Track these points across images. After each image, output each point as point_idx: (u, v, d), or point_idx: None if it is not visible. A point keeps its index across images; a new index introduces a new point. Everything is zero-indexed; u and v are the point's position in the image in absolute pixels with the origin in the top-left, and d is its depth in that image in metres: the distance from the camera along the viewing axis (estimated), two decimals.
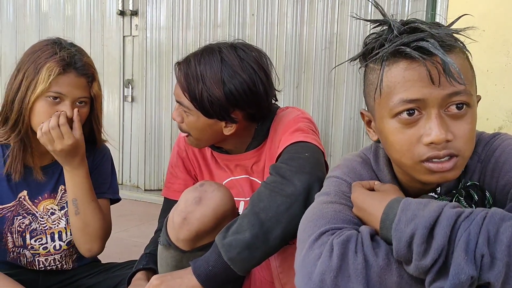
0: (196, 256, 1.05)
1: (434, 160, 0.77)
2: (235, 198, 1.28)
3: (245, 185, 1.27)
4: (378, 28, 0.88)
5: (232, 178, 1.29)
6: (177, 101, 1.19)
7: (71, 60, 1.15)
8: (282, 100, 2.34)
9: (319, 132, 1.23)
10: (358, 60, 0.88)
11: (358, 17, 0.93)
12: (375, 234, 0.75)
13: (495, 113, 1.74)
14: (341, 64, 0.92)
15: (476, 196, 0.83)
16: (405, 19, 0.84)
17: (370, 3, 2.18)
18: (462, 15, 0.81)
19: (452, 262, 0.66)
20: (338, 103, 2.31)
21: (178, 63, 1.18)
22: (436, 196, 0.85)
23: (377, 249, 0.72)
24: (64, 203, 1.24)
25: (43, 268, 1.23)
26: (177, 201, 1.28)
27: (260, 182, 1.18)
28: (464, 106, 0.77)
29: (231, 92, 1.13)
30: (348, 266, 0.71)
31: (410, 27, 0.79)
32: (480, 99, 0.86)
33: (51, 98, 1.12)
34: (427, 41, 0.75)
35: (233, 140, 1.21)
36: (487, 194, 0.83)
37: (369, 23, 0.88)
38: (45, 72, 1.11)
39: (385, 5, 2.13)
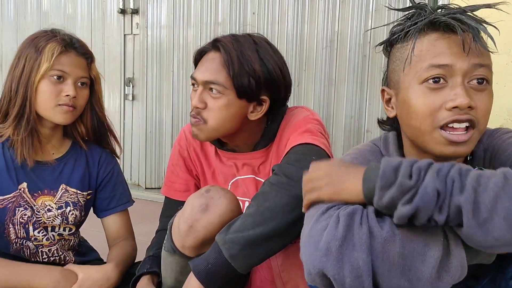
0: None
1: (454, 125, 0.82)
2: (240, 198, 1.27)
3: (251, 185, 1.27)
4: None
5: (238, 177, 1.29)
6: (205, 83, 1.16)
7: (71, 41, 1.20)
8: None
9: (328, 134, 1.23)
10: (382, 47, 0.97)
11: (390, 7, 1.01)
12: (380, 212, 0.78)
13: (496, 112, 1.73)
14: (379, 44, 1.02)
15: None
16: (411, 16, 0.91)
17: (372, 1, 2.17)
18: (485, 5, 0.88)
19: (424, 180, 0.71)
20: (338, 102, 2.31)
21: (215, 42, 1.18)
22: None
23: (381, 223, 0.75)
24: (63, 203, 1.24)
25: (46, 259, 1.24)
26: (178, 201, 1.28)
27: None
28: (485, 82, 0.84)
29: (269, 70, 1.16)
30: (353, 236, 0.74)
31: (442, 8, 0.88)
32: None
33: (55, 77, 1.16)
34: (463, 14, 0.84)
35: (244, 134, 1.20)
36: None
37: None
38: (48, 52, 1.15)
39: (386, 2, 2.13)
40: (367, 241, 0.73)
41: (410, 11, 0.91)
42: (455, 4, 0.87)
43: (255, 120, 1.19)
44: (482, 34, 0.85)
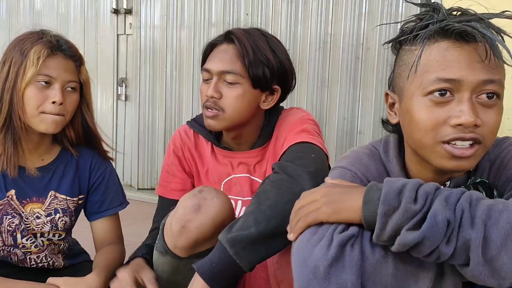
0: (192, 263, 1.04)
1: (457, 144, 0.78)
2: (233, 197, 1.28)
3: (245, 184, 1.27)
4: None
5: (233, 176, 1.29)
6: (220, 73, 1.18)
7: (58, 43, 1.14)
8: None
9: (322, 135, 1.24)
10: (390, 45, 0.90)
11: (410, 1, 0.95)
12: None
13: None
14: (387, 42, 0.93)
15: (484, 193, 0.84)
16: (400, 18, 0.85)
17: (365, 3, 2.18)
18: (506, 11, 0.81)
19: (431, 208, 0.67)
20: (331, 103, 2.32)
21: (228, 34, 1.21)
22: None
23: (374, 245, 0.72)
24: (52, 210, 1.21)
25: (35, 265, 1.22)
26: (173, 200, 1.27)
27: (261, 182, 1.18)
28: (495, 96, 0.78)
29: (280, 60, 1.20)
30: (344, 258, 0.71)
31: (457, 11, 0.81)
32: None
33: (42, 82, 1.10)
34: (476, 23, 0.77)
35: (251, 126, 1.24)
36: (495, 192, 0.85)
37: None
38: (33, 56, 1.09)
39: (379, 4, 2.14)
40: (358, 262, 0.71)
41: (424, 10, 0.84)
42: (471, 10, 0.80)
43: (260, 114, 1.23)
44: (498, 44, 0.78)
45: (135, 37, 2.75)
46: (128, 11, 2.76)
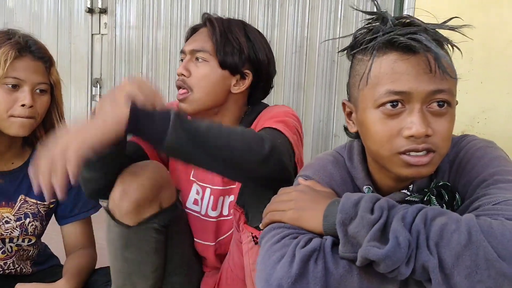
0: (141, 230, 1.07)
1: (411, 153, 0.79)
2: (202, 184, 1.28)
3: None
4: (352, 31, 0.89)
5: None
6: (191, 52, 1.22)
7: (26, 44, 1.11)
8: None
9: (302, 136, 1.23)
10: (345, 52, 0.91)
11: (356, 8, 0.96)
12: (337, 245, 0.75)
13: (458, 118, 1.77)
14: (342, 49, 0.92)
15: (446, 196, 0.85)
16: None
17: (340, 8, 2.21)
18: (453, 18, 0.85)
19: (391, 228, 0.68)
20: (307, 106, 2.34)
21: (205, 18, 1.27)
22: (408, 193, 0.88)
23: (338, 259, 0.73)
24: (22, 215, 1.18)
25: (1, 271, 1.19)
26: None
27: None
28: (445, 105, 0.80)
29: (254, 47, 1.24)
30: (307, 274, 0.71)
31: (404, 21, 0.81)
32: (457, 103, 0.89)
33: (10, 85, 1.07)
34: (421, 34, 0.77)
35: (226, 113, 1.25)
36: (457, 195, 0.86)
37: (339, 29, 0.90)
38: (0, 58, 1.06)
39: (355, 1, 2.17)
40: (322, 278, 0.71)
41: (373, 18, 0.85)
42: (418, 20, 0.81)
43: (237, 101, 1.25)
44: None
45: (110, 37, 2.71)
46: (103, 11, 2.72)
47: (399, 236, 0.67)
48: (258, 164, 0.96)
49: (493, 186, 0.78)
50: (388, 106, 0.80)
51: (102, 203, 1.17)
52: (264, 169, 0.97)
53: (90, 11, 2.73)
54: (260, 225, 0.86)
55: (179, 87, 1.23)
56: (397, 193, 0.88)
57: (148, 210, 1.12)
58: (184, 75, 1.22)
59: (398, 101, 0.79)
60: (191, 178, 1.33)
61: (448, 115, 0.81)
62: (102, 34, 2.77)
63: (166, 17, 2.59)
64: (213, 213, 1.29)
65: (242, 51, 1.22)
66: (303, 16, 2.30)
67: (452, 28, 0.83)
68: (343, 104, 0.93)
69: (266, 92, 1.33)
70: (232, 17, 1.33)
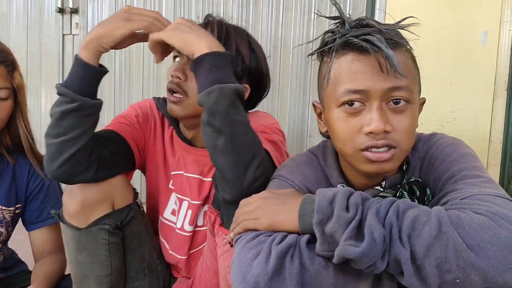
0: (92, 232, 1.07)
1: (372, 150, 0.81)
2: (180, 196, 1.26)
3: (194, 186, 1.25)
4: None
5: (184, 173, 1.27)
6: (184, 54, 1.14)
7: None
8: None
9: (286, 144, 1.22)
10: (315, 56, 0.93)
11: (320, 14, 0.99)
12: (313, 241, 0.76)
13: (429, 118, 1.83)
14: (310, 54, 0.94)
15: (418, 192, 0.88)
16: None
17: (314, 9, 2.23)
18: (408, 17, 0.88)
19: (366, 224, 0.70)
20: (282, 107, 2.35)
21: (207, 18, 1.22)
22: (381, 190, 0.90)
23: (314, 255, 0.74)
24: None
25: None
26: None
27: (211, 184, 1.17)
28: (403, 101, 0.83)
29: (257, 61, 1.20)
30: (284, 270, 0.72)
31: (361, 23, 0.85)
32: (424, 101, 0.92)
33: None
34: (374, 35, 0.80)
35: None
36: (428, 191, 0.89)
37: (312, 30, 0.92)
38: None
39: (327, 10, 2.19)
40: (298, 275, 0.72)
41: (336, 22, 0.88)
42: (373, 22, 0.85)
43: None
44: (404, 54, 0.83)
45: (81, 37, 2.67)
46: (74, 11, 2.67)
47: (374, 232, 0.69)
48: (239, 176, 0.96)
49: (461, 181, 0.81)
50: (348, 104, 0.83)
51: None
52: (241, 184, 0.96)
53: (61, 11, 2.68)
54: (231, 234, 0.85)
55: (172, 90, 1.16)
56: (370, 190, 0.90)
57: (98, 211, 1.11)
58: (180, 78, 1.15)
59: (357, 100, 0.82)
60: (170, 186, 1.31)
61: (408, 111, 0.84)
62: (73, 35, 2.72)
63: None
64: (189, 228, 1.28)
65: (243, 62, 1.17)
66: (277, 17, 2.31)
67: (402, 28, 0.86)
68: (313, 105, 0.96)
69: (256, 105, 1.30)
70: (201, 19, 1.30)
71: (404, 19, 0.88)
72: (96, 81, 1.10)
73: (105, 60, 2.58)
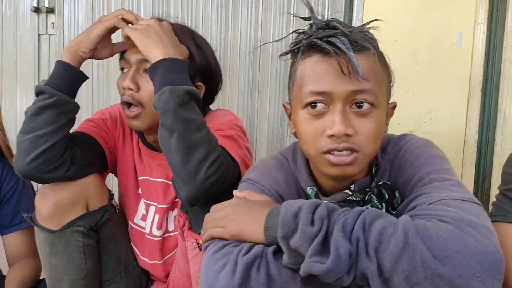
0: (65, 234, 1.07)
1: (334, 153, 0.81)
2: (147, 201, 1.26)
3: (160, 190, 1.25)
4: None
5: (149, 178, 1.26)
6: (139, 62, 1.14)
7: None
8: None
9: (248, 139, 1.23)
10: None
11: (293, 14, 0.99)
12: (279, 252, 0.75)
13: (406, 119, 1.86)
14: (281, 54, 0.94)
15: (386, 195, 0.88)
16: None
17: (293, 9, 2.24)
18: (374, 20, 0.89)
19: (332, 239, 0.69)
20: (262, 107, 2.35)
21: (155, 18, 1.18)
22: (350, 193, 0.90)
23: (281, 265, 0.73)
24: None
25: None
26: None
27: None
28: (366, 105, 0.82)
29: (205, 56, 1.19)
30: (250, 282, 0.71)
31: (328, 25, 0.84)
32: (395, 105, 0.92)
33: None
34: (338, 38, 0.80)
35: None
36: (397, 193, 0.89)
37: (292, 30, 0.93)
38: None
39: (307, 11, 2.20)
40: (265, 286, 0.71)
41: (308, 23, 0.88)
42: (341, 23, 0.85)
43: None
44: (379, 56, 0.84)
45: (58, 37, 2.62)
46: (51, 10, 2.63)
47: (340, 248, 0.68)
48: (189, 176, 0.97)
49: (429, 185, 0.81)
50: (311, 106, 0.83)
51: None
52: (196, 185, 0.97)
53: (37, 10, 2.63)
54: (200, 241, 0.85)
55: (128, 103, 1.15)
56: (339, 193, 0.90)
57: (71, 212, 1.10)
58: (133, 89, 1.14)
59: (320, 101, 0.82)
60: (139, 192, 1.31)
61: (373, 115, 0.83)
62: (49, 35, 2.67)
63: None
64: (157, 232, 1.27)
65: (194, 62, 1.16)
66: (256, 17, 2.31)
67: (362, 31, 0.85)
68: (284, 106, 0.95)
69: (212, 100, 1.30)
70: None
71: (370, 21, 0.89)
72: (75, 82, 1.10)
73: (82, 63, 2.51)
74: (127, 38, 1.14)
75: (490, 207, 1.13)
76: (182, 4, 2.40)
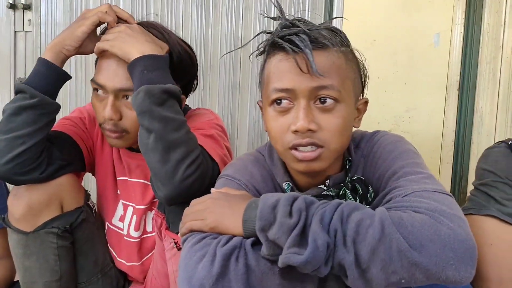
0: (39, 236, 1.05)
1: (299, 148, 0.83)
2: (125, 202, 1.25)
3: (138, 190, 1.24)
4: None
5: (128, 178, 1.25)
6: (118, 91, 1.11)
7: None
8: (188, 103, 2.32)
9: (228, 139, 1.23)
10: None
11: (265, 15, 1.02)
12: (258, 243, 0.76)
13: (385, 118, 1.88)
14: (251, 53, 1.00)
15: (360, 190, 0.90)
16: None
17: (273, 9, 2.24)
18: (336, 17, 0.93)
19: (310, 231, 0.70)
20: (243, 106, 2.35)
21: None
22: (325, 188, 0.91)
23: (259, 256, 0.74)
24: None
25: None
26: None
27: None
28: (329, 100, 0.84)
29: (178, 50, 1.17)
30: (229, 272, 0.72)
31: (293, 24, 0.87)
32: (367, 101, 0.94)
33: None
34: (299, 36, 0.83)
35: None
36: (370, 188, 0.91)
37: (272, 29, 0.95)
38: None
39: (287, 10, 2.21)
40: (243, 276, 0.72)
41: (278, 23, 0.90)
42: (305, 22, 0.87)
43: None
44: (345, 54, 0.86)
45: (34, 34, 2.57)
46: (27, 7, 2.58)
47: (318, 239, 0.69)
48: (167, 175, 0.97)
49: (403, 178, 0.83)
50: (277, 103, 0.85)
51: None
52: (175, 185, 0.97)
53: (13, 6, 2.57)
54: (179, 234, 0.85)
55: (112, 131, 1.13)
56: (314, 188, 0.92)
57: (45, 213, 1.08)
58: (115, 119, 1.11)
59: (285, 98, 0.84)
60: (118, 192, 1.30)
61: (337, 110, 0.85)
62: (26, 32, 2.62)
63: None
64: (135, 233, 1.27)
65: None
66: (237, 16, 2.31)
67: (329, 28, 0.88)
68: (258, 104, 0.98)
69: (187, 95, 1.28)
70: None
71: (331, 19, 0.91)
72: (57, 82, 1.08)
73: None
74: (100, 52, 1.12)
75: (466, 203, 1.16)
76: (162, 3, 2.38)
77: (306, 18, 0.93)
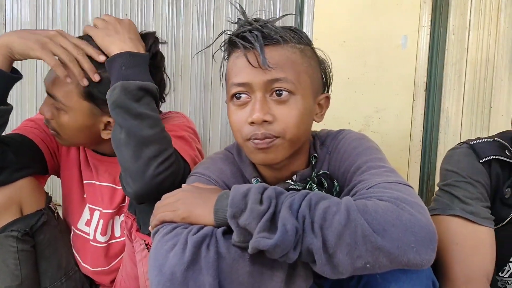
0: (0, 240, 1.04)
1: (255, 141, 0.87)
2: (91, 206, 1.23)
3: (106, 194, 1.23)
4: None
5: (96, 182, 1.24)
6: (49, 94, 1.12)
7: None
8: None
9: (200, 141, 1.23)
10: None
11: (231, 20, 1.05)
12: (229, 232, 0.78)
13: (355, 118, 1.91)
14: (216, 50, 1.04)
15: (326, 184, 0.95)
16: (278, 23, 0.95)
17: (245, 8, 2.24)
18: (287, 14, 1.00)
19: (279, 217, 0.73)
20: (215, 107, 2.35)
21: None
22: (292, 183, 0.95)
23: (230, 244, 0.76)
24: None
25: None
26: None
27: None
28: (285, 93, 0.89)
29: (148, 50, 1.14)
30: (200, 259, 0.74)
31: (250, 23, 0.92)
32: (327, 96, 0.98)
33: None
34: (252, 32, 0.88)
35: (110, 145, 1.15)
36: (335, 182, 0.95)
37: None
38: None
39: (258, 10, 2.22)
40: (214, 263, 0.73)
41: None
42: (254, 21, 0.92)
43: None
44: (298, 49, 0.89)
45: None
46: None
47: (287, 224, 0.72)
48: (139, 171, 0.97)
49: (367, 172, 0.88)
50: (236, 98, 0.90)
51: None
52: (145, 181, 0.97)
53: None
54: (150, 228, 0.86)
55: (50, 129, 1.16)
56: (282, 183, 0.96)
57: (4, 217, 1.07)
58: (48, 117, 1.14)
59: (243, 92, 0.89)
60: (84, 196, 1.28)
61: (292, 102, 0.89)
62: None
63: (63, 14, 2.44)
64: (102, 238, 1.25)
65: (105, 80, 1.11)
66: (208, 16, 2.30)
67: (272, 22, 0.93)
68: (226, 102, 1.00)
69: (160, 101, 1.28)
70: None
71: (282, 16, 0.99)
72: (6, 87, 1.05)
73: (25, 60, 2.41)
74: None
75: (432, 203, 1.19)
76: (132, 3, 2.35)
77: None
